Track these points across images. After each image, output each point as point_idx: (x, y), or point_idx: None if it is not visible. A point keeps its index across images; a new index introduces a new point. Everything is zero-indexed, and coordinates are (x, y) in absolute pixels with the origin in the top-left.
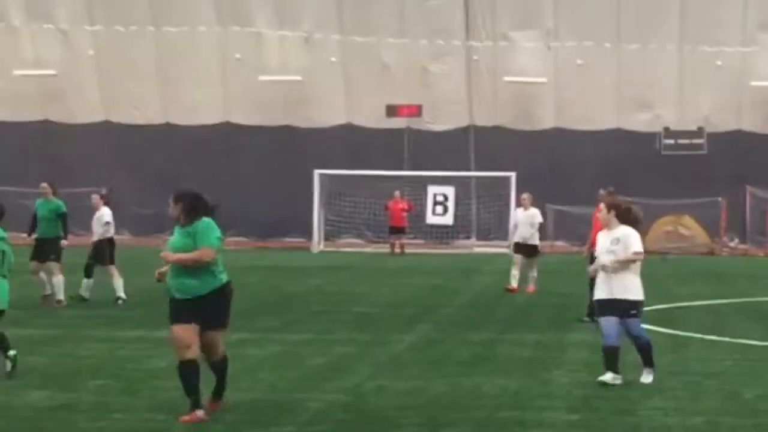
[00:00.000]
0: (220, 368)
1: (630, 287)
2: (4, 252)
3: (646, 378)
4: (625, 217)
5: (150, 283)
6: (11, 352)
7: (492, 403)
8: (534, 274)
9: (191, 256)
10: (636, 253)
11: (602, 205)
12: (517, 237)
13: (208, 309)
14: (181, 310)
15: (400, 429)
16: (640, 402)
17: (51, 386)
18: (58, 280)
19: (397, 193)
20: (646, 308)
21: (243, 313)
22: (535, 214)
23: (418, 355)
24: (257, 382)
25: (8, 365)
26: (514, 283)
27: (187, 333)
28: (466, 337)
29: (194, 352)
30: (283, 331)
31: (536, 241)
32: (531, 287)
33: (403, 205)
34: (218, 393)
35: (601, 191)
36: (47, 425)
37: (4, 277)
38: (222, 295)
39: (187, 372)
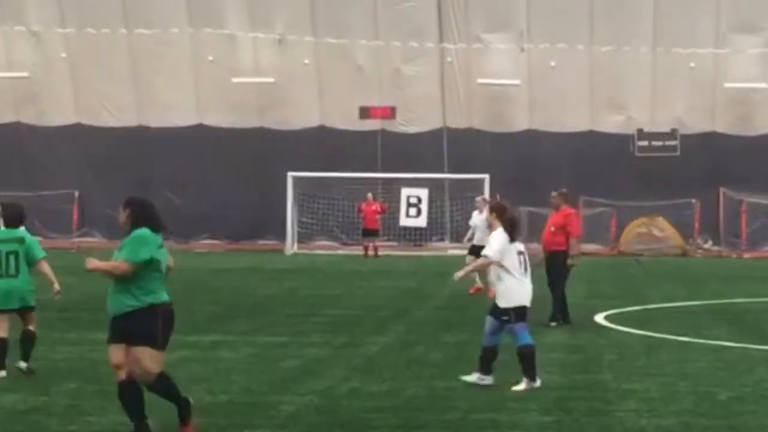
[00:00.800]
0: (156, 390)
1: (498, 293)
2: (12, 253)
3: (519, 387)
4: (501, 218)
5: None
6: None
7: (466, 405)
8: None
9: (104, 266)
10: (483, 256)
11: (486, 208)
12: (475, 240)
13: (129, 328)
14: (110, 328)
15: (375, 431)
16: (614, 403)
17: (23, 389)
18: None
19: (369, 195)
20: (620, 310)
21: (216, 315)
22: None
23: (392, 358)
24: (231, 385)
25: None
26: (479, 283)
27: (113, 354)
28: (440, 338)
29: (125, 374)
30: (256, 333)
31: None
32: (492, 290)
33: (376, 207)
34: (181, 416)
35: (553, 193)
36: (19, 429)
37: (11, 276)
38: (145, 317)
39: (121, 395)
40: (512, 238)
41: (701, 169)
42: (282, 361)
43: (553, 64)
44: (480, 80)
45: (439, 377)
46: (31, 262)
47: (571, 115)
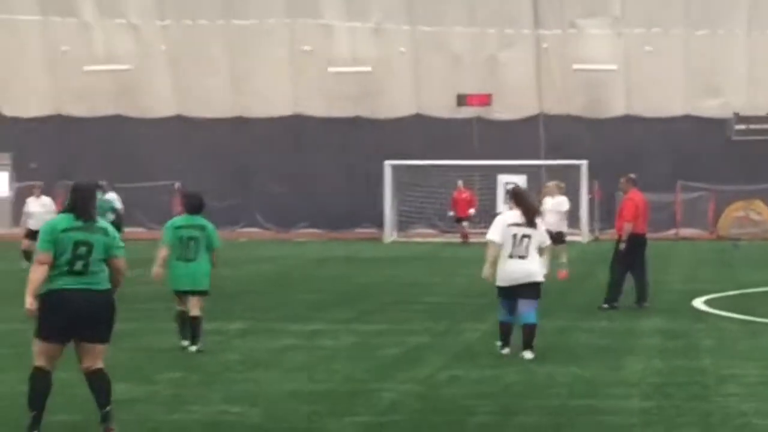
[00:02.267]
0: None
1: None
2: (193, 238)
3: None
4: (518, 204)
5: (224, 276)
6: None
7: (566, 391)
8: (563, 260)
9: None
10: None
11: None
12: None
13: None
14: None
15: (475, 417)
16: (714, 388)
17: (128, 379)
18: None
19: (459, 182)
20: (718, 294)
21: (317, 304)
22: (562, 202)
23: (492, 345)
24: (332, 373)
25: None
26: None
27: None
28: (538, 325)
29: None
30: (356, 321)
31: (563, 228)
32: (563, 273)
33: (466, 195)
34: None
35: (621, 179)
36: (125, 418)
37: (189, 260)
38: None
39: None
40: (529, 223)
41: None
42: (382, 349)
43: (648, 48)
44: (576, 66)
45: (539, 364)
46: (211, 250)
47: (667, 99)
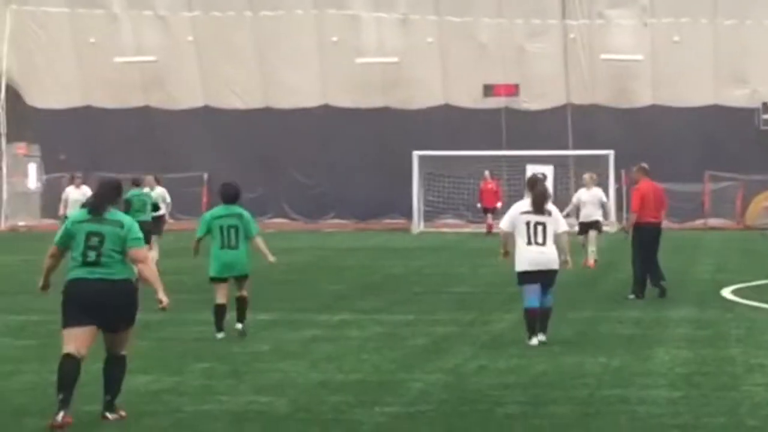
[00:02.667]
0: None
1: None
2: (233, 227)
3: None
4: (530, 191)
5: (251, 267)
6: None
7: (594, 381)
8: (593, 248)
9: None
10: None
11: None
12: (582, 216)
13: None
14: None
15: (503, 407)
16: (742, 378)
17: (156, 370)
18: None
19: (486, 173)
20: (747, 284)
21: (344, 294)
22: (596, 193)
23: (520, 335)
24: (360, 363)
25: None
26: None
27: None
28: (566, 315)
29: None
30: (384, 312)
31: (599, 217)
32: (591, 261)
33: (493, 185)
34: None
35: (634, 168)
36: (153, 408)
37: (231, 248)
38: None
39: None
40: (537, 211)
41: None
42: (410, 339)
43: (676, 38)
44: (603, 56)
45: (567, 354)
46: (249, 237)
47: (695, 89)
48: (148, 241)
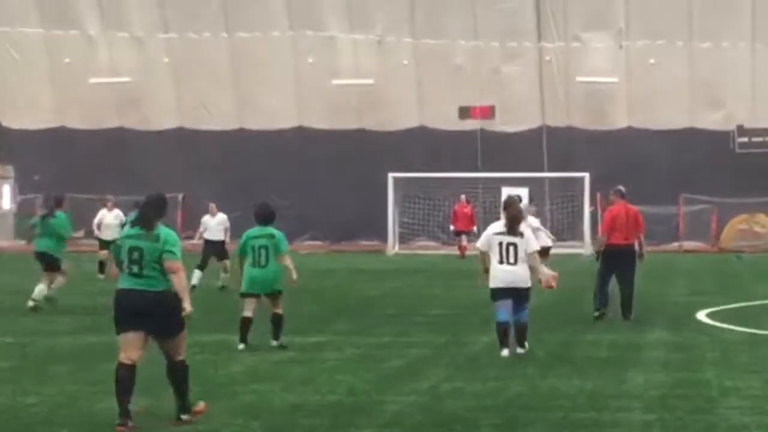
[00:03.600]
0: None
1: None
2: (263, 247)
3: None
4: (505, 212)
5: (227, 289)
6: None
7: (568, 404)
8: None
9: None
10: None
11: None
12: None
13: None
14: None
15: (478, 430)
16: (717, 401)
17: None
18: None
19: (463, 197)
20: (722, 307)
21: (320, 316)
22: (533, 223)
23: (495, 357)
24: (335, 385)
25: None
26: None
27: None
28: (541, 337)
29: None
30: (359, 334)
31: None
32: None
33: (468, 209)
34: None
35: (611, 191)
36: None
37: (261, 266)
38: None
39: None
40: (510, 232)
41: None
42: (385, 361)
43: (651, 61)
44: (579, 78)
45: (542, 376)
46: (278, 255)
47: (670, 112)
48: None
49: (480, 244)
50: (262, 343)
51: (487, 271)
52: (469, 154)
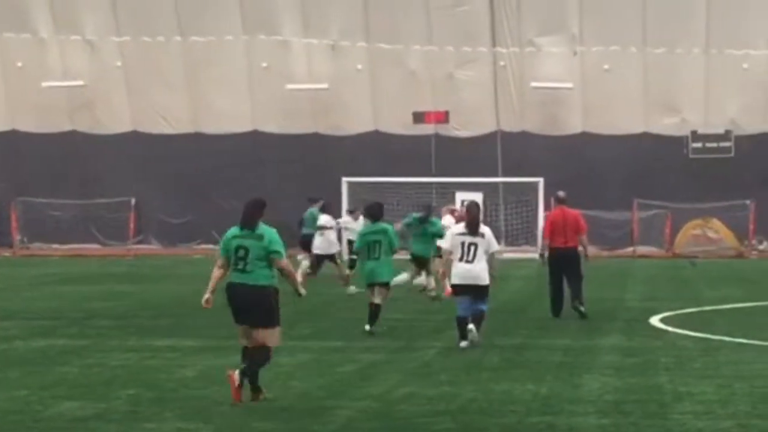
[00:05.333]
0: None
1: None
2: (377, 242)
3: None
4: (467, 215)
5: (180, 293)
6: None
7: (523, 408)
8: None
9: None
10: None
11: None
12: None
13: None
14: None
15: None
16: (671, 406)
17: (82, 396)
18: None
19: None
20: (675, 312)
21: None
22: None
23: (449, 362)
24: (288, 390)
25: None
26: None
27: None
28: (496, 342)
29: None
30: (313, 338)
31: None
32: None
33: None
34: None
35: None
36: None
37: (374, 259)
38: None
39: None
40: (472, 233)
41: (756, 169)
42: (339, 366)
43: (606, 66)
44: (533, 84)
45: (496, 380)
46: (391, 249)
47: (624, 117)
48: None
49: (445, 244)
50: (217, 345)
51: (449, 267)
52: (423, 158)
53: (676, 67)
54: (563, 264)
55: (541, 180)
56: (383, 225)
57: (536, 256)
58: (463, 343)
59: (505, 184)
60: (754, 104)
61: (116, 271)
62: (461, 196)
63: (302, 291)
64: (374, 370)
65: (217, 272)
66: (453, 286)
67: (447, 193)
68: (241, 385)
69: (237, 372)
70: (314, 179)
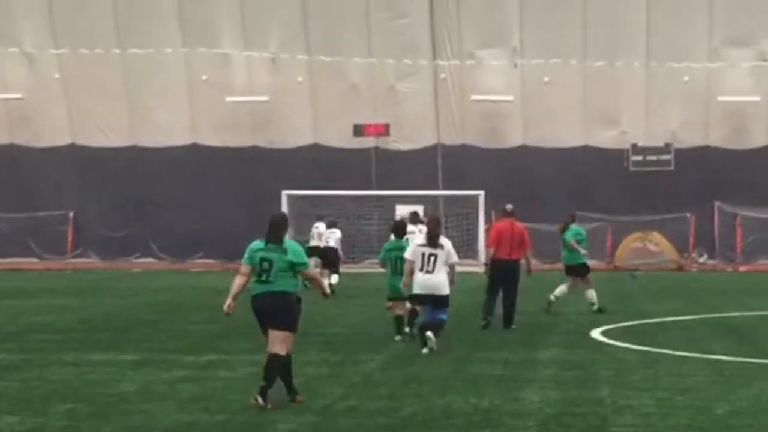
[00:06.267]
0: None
1: None
2: (400, 257)
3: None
4: (427, 227)
5: (119, 306)
6: None
7: (463, 422)
8: None
9: None
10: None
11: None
12: None
13: None
14: None
15: None
16: (611, 419)
17: (20, 411)
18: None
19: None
20: (616, 325)
21: (213, 335)
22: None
23: (390, 375)
24: (228, 404)
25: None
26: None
27: None
28: (436, 355)
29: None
30: (253, 352)
31: None
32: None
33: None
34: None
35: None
36: None
37: (398, 274)
38: None
39: None
40: (432, 245)
41: (696, 183)
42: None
43: (546, 79)
44: (474, 97)
45: (436, 394)
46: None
47: (565, 130)
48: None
49: (407, 254)
50: (157, 359)
51: (410, 276)
52: (363, 171)
53: (616, 80)
54: (504, 276)
55: (481, 193)
56: (404, 242)
57: (476, 269)
58: (424, 350)
59: (445, 197)
60: (695, 117)
61: (55, 285)
62: (401, 209)
63: (328, 291)
64: (315, 383)
65: (239, 280)
66: (412, 296)
67: (387, 206)
68: (265, 398)
69: (258, 396)
70: (254, 192)
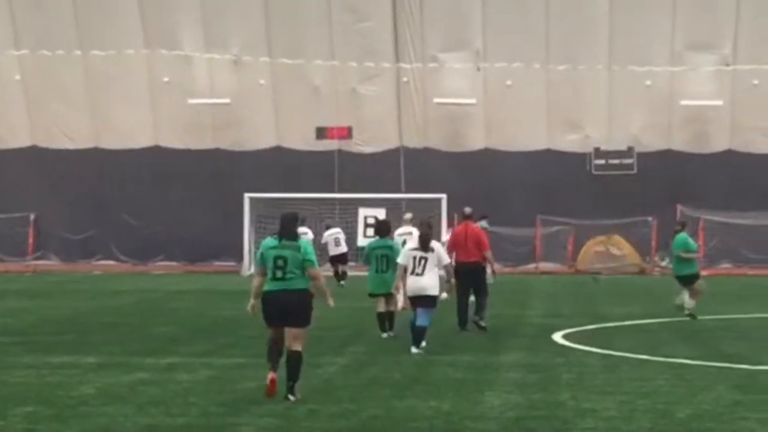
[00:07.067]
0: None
1: None
2: (384, 256)
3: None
4: (419, 232)
5: (79, 309)
6: None
7: (425, 425)
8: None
9: None
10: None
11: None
12: None
13: None
14: None
15: None
16: (573, 422)
17: None
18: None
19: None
20: (578, 328)
21: (173, 337)
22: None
23: (351, 378)
24: (188, 407)
25: None
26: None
27: None
28: (398, 358)
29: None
30: (214, 355)
31: None
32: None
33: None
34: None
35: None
36: None
37: (382, 272)
38: None
39: None
40: (423, 249)
41: (658, 186)
42: (240, 383)
43: (509, 83)
44: (436, 100)
45: (398, 397)
46: (395, 263)
47: (527, 133)
48: None
49: (400, 259)
50: (117, 362)
51: (402, 279)
52: (326, 174)
53: (579, 84)
54: (469, 278)
55: (444, 196)
56: (390, 241)
57: (441, 272)
58: (414, 350)
59: (407, 200)
60: (657, 121)
61: (14, 287)
62: (364, 212)
63: (331, 302)
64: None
65: (257, 281)
66: (410, 299)
67: (350, 209)
68: (294, 394)
69: (288, 396)
70: (216, 194)
